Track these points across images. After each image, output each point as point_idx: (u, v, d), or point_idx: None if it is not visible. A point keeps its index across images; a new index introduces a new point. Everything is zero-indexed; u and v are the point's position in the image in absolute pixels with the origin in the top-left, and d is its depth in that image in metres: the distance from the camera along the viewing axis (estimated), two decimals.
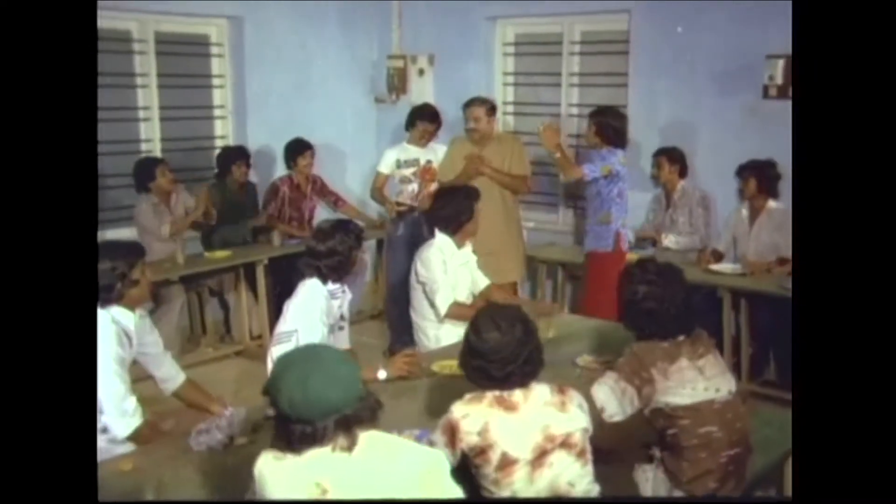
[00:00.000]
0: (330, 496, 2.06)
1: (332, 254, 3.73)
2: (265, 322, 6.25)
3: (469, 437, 2.51)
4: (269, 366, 3.78)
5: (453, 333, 4.23)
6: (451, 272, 4.48)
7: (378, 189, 6.56)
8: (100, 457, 3.04)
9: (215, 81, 7.02)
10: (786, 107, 5.54)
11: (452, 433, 2.54)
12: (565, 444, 2.55)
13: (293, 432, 2.08)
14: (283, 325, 3.74)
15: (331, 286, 3.76)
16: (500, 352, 2.56)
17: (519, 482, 2.50)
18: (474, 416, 2.53)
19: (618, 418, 2.95)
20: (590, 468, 2.61)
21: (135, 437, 3.23)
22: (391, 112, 7.66)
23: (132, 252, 3.42)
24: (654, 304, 3.00)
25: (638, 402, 2.93)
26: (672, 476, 2.95)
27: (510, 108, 7.31)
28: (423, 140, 6.40)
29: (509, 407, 2.55)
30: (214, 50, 6.98)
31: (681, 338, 3.01)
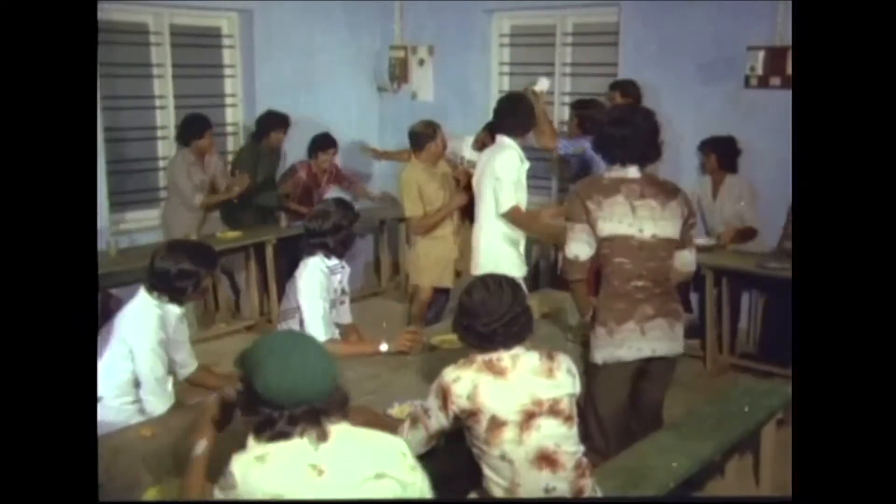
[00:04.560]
0: (326, 476, 1.98)
1: (337, 229, 3.76)
2: (274, 299, 6.29)
3: (460, 400, 2.52)
4: None
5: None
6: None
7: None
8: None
9: (227, 71, 7.00)
10: (766, 95, 5.59)
11: (444, 397, 2.55)
12: (552, 410, 2.55)
13: (270, 419, 2.01)
14: (287, 303, 3.78)
15: (331, 262, 3.79)
16: (486, 309, 2.59)
17: (508, 442, 2.51)
18: (464, 379, 2.54)
19: (584, 256, 3.38)
20: (575, 430, 2.62)
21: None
22: (393, 100, 7.69)
23: (210, 261, 3.40)
24: (625, 131, 3.34)
25: (594, 231, 3.33)
26: (596, 301, 3.42)
27: None
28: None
29: (498, 372, 2.56)
30: (226, 41, 6.96)
31: (633, 170, 3.34)
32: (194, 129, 6.07)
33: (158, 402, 3.24)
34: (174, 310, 3.35)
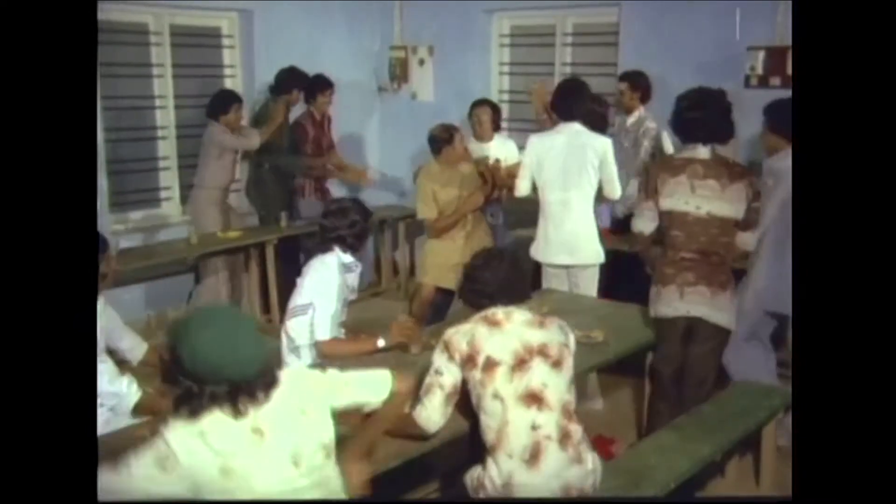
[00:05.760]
0: (267, 438, 2.10)
1: (353, 224, 3.79)
2: (274, 299, 6.30)
3: (460, 346, 2.81)
4: (284, 340, 3.82)
5: None
6: None
7: None
8: (110, 427, 3.06)
9: (227, 71, 6.99)
10: (766, 95, 5.58)
11: (448, 348, 2.84)
12: (542, 352, 2.80)
13: (189, 393, 2.06)
14: (299, 299, 3.76)
15: (347, 259, 3.80)
16: (488, 271, 2.93)
17: (500, 382, 2.75)
18: (463, 331, 2.85)
19: (648, 231, 3.88)
20: (564, 376, 2.83)
21: (138, 410, 3.22)
22: (393, 100, 7.69)
23: (100, 243, 3.25)
24: (695, 114, 3.73)
25: (657, 209, 3.79)
26: (654, 266, 3.91)
27: (506, 97, 7.31)
28: (483, 135, 5.95)
29: (493, 323, 2.84)
30: (226, 41, 6.96)
31: (704, 150, 3.73)
32: (221, 102, 6.12)
33: (123, 401, 3.20)
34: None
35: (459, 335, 2.83)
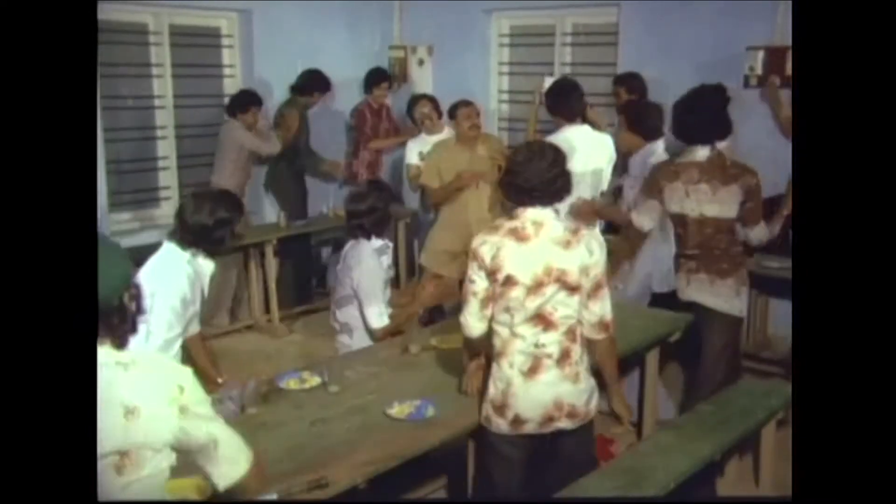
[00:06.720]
0: None
1: (372, 210, 3.83)
2: (274, 298, 6.30)
3: (485, 258, 2.87)
4: (336, 326, 3.94)
5: None
6: None
7: (414, 179, 5.97)
8: None
9: (226, 71, 6.99)
10: (765, 95, 5.59)
11: (475, 258, 2.89)
12: (560, 279, 2.86)
13: None
14: (343, 291, 3.85)
15: (377, 243, 3.83)
16: (529, 167, 2.89)
17: (514, 300, 2.86)
18: (489, 243, 2.88)
19: (647, 227, 4.17)
20: (576, 299, 2.91)
21: None
22: (393, 100, 7.68)
23: (239, 205, 3.39)
24: (689, 117, 3.98)
25: (661, 207, 4.07)
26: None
27: (505, 97, 7.31)
28: (433, 128, 5.94)
29: (521, 238, 2.87)
30: (225, 41, 6.96)
31: (701, 152, 3.96)
32: (239, 102, 6.34)
33: None
34: (207, 266, 3.34)
35: (486, 247, 2.88)
